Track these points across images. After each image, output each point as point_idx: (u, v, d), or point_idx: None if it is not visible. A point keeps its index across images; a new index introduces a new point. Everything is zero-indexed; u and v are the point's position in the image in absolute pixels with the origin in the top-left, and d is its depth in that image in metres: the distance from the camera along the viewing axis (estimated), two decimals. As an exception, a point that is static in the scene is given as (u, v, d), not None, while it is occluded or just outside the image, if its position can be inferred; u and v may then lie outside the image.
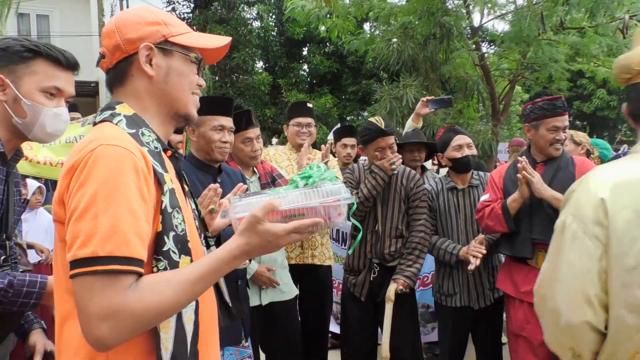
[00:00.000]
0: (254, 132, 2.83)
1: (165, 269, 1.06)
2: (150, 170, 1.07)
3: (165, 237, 1.07)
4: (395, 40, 7.65)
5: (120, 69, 1.21)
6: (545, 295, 1.23)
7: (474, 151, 3.09)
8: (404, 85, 7.35)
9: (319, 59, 16.00)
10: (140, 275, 1.00)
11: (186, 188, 1.30)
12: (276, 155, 3.49)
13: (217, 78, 16.31)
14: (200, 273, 1.04)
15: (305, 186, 1.13)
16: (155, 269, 1.06)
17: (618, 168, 1.22)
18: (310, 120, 3.51)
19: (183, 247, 1.11)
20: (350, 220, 1.59)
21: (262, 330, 2.83)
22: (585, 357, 1.18)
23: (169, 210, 1.09)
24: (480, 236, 2.91)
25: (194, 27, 16.46)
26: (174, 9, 17.05)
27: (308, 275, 3.29)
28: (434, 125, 7.27)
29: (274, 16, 17.32)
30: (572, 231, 1.18)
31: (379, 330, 3.11)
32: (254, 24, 17.56)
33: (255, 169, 2.96)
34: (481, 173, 3.20)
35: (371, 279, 3.00)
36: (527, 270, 2.64)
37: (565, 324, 1.16)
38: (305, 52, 17.48)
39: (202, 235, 1.34)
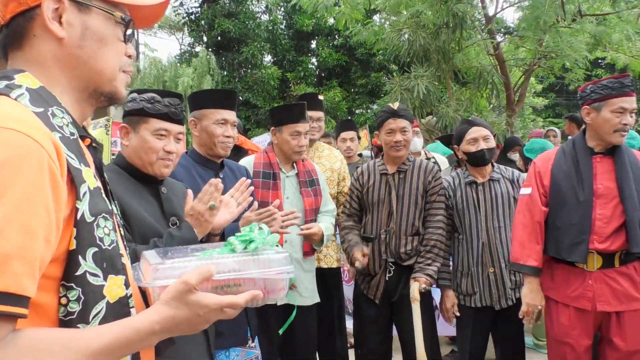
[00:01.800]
0: (304, 126, 2.73)
1: (78, 299, 0.80)
2: (62, 166, 0.79)
3: (80, 257, 0.81)
4: (405, 30, 7.44)
5: (17, 26, 0.89)
6: None
7: (491, 144, 2.87)
8: (415, 76, 7.15)
9: (328, 51, 15.85)
10: (21, 317, 0.72)
11: (108, 187, 1.01)
12: (330, 156, 3.38)
13: (225, 73, 16.22)
14: (105, 343, 0.78)
15: (244, 251, 0.96)
16: (64, 300, 0.80)
17: None
18: (320, 114, 3.34)
19: (112, 264, 0.86)
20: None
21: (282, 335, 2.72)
22: None
23: (89, 219, 0.83)
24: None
25: (202, 22, 16.36)
26: (181, 4, 16.96)
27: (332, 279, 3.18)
28: (446, 117, 7.08)
29: (282, 9, 17.17)
30: None
31: (394, 329, 2.97)
32: (262, 17, 17.44)
33: (294, 164, 2.83)
34: (502, 167, 2.99)
35: (386, 279, 2.83)
36: (576, 273, 2.42)
37: None
38: (313, 45, 17.34)
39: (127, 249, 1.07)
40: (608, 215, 2.36)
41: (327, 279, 3.13)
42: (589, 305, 2.38)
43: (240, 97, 16.29)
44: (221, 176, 2.24)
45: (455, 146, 2.95)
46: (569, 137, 5.47)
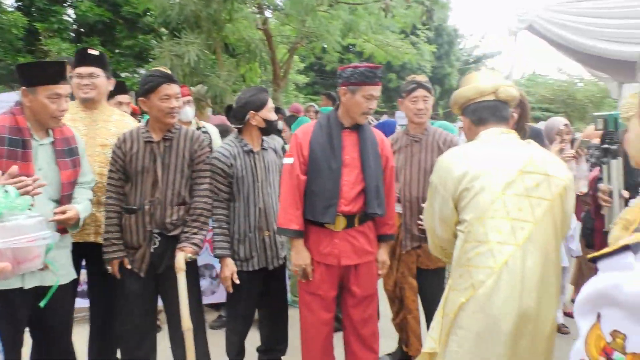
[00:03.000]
0: (66, 88, 2.39)
1: None
2: None
3: None
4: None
5: None
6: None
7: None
8: (186, 42, 6.97)
9: (88, 4, 14.12)
10: None
11: None
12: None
13: (-54, 13, 13.10)
14: None
15: None
16: None
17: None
18: (92, 69, 2.93)
19: None
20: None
21: (31, 318, 2.42)
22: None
23: None
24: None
25: None
26: None
27: (92, 255, 2.85)
28: (216, 87, 7.12)
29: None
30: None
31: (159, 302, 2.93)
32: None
33: (50, 131, 2.45)
34: (269, 137, 3.14)
35: (152, 250, 2.75)
36: (326, 234, 2.77)
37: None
38: (70, -5, 15.23)
39: None
40: (352, 182, 2.77)
41: None
42: (335, 261, 2.77)
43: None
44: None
45: (252, 112, 2.95)
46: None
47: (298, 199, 2.77)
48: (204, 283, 4.14)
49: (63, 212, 2.36)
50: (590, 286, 0.66)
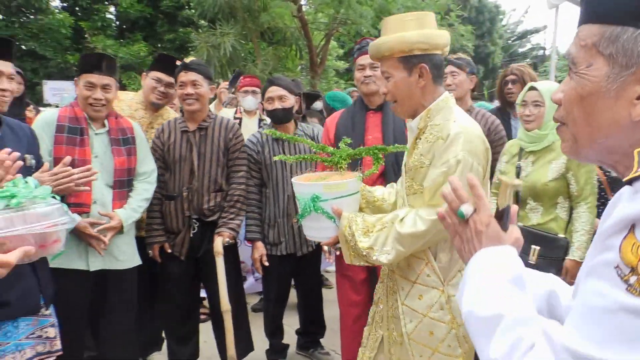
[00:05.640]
0: (100, 78, 2.48)
1: None
2: None
3: None
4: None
5: None
6: None
7: (288, 103, 3.01)
8: (222, 33, 7.08)
9: (129, 1, 14.54)
10: None
11: None
12: (121, 103, 2.99)
13: (0, 17, 13.79)
14: None
15: (6, 208, 0.93)
16: None
17: None
18: (172, 80, 2.97)
19: None
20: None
21: (92, 301, 2.55)
22: None
23: None
24: None
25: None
26: None
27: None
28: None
29: (70, -53, 15.10)
30: None
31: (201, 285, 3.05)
32: (44, -46, 15.11)
33: (106, 121, 2.58)
34: (304, 124, 3.20)
35: (191, 235, 2.86)
36: None
37: None
38: (111, -7, 15.72)
39: None
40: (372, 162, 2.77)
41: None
42: None
43: (22, 47, 14.08)
44: None
45: (260, 103, 3.08)
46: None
47: None
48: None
49: (110, 217, 2.48)
50: (628, 209, 0.68)
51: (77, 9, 14.65)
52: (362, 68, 2.80)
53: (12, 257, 0.86)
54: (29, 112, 4.48)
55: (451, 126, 1.67)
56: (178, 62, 3.06)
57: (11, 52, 2.06)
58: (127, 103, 3.07)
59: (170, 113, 3.24)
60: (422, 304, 1.75)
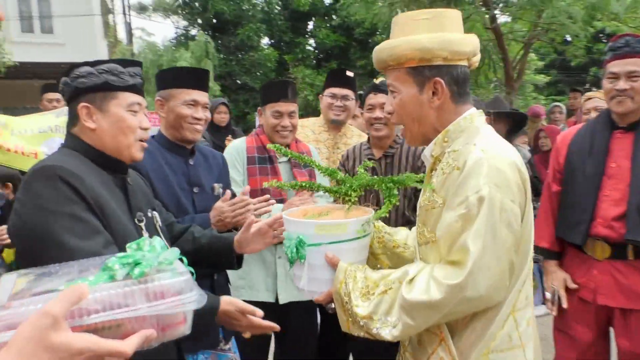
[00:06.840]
0: (287, 106, 2.50)
1: None
2: None
3: None
4: (398, 4, 7.23)
5: None
6: None
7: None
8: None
9: (325, 32, 15.60)
10: None
11: None
12: (305, 129, 3.03)
13: (222, 56, 16.02)
14: None
15: (126, 277, 0.74)
16: None
17: None
18: (346, 91, 2.96)
19: None
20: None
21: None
22: None
23: None
24: None
25: (196, 3, 16.11)
26: (175, -12, 16.69)
27: None
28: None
29: (277, -11, 16.89)
30: None
31: None
32: (257, -2, 17.17)
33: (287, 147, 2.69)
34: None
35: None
36: (584, 260, 2.22)
37: None
38: (310, 27, 17.08)
39: None
40: (616, 198, 2.10)
41: None
42: (590, 296, 2.19)
43: (237, 81, 16.09)
44: (191, 163, 2.12)
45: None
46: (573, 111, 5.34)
47: (549, 214, 2.34)
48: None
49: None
50: None
51: (282, 43, 16.26)
52: (614, 77, 2.13)
53: (130, 346, 0.70)
54: (228, 142, 4.95)
55: (471, 151, 1.20)
56: (349, 73, 2.97)
57: (207, 83, 2.16)
58: (311, 128, 3.08)
59: (354, 132, 3.14)
60: None
